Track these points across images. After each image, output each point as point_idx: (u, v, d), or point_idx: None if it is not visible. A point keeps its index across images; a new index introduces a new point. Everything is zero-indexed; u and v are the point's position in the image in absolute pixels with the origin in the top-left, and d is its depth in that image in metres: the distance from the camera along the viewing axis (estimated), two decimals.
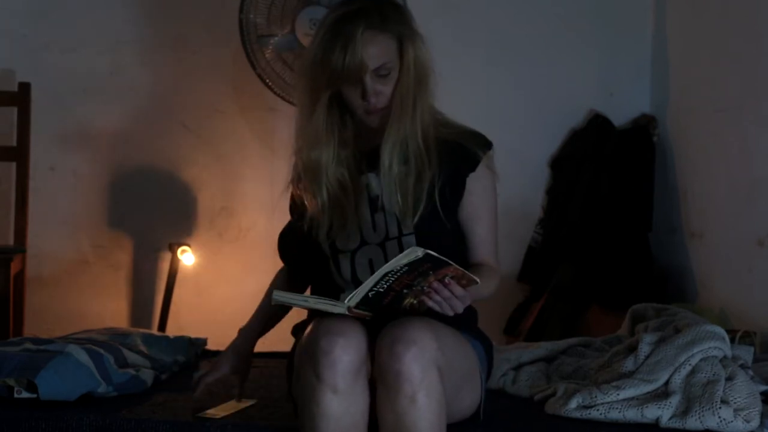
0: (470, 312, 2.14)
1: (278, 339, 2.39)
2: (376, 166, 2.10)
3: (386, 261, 2.04)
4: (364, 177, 2.12)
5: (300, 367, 1.91)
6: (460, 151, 2.11)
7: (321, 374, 1.84)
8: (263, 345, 2.32)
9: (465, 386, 2.01)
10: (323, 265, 2.13)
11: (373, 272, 1.92)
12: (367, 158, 2.13)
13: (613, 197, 3.46)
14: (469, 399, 2.04)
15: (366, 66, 2.02)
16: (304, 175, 2.15)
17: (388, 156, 2.07)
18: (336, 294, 2.10)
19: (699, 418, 2.08)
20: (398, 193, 2.07)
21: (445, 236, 2.09)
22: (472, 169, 2.11)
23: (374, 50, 2.03)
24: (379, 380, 1.85)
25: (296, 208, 2.21)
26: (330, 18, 2.07)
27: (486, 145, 2.14)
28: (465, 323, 2.07)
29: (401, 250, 2.02)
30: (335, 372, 1.83)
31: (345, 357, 1.84)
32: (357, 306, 1.85)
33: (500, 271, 2.16)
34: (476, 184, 2.12)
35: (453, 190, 2.10)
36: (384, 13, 2.06)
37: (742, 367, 2.25)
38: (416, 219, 2.06)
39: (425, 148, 2.07)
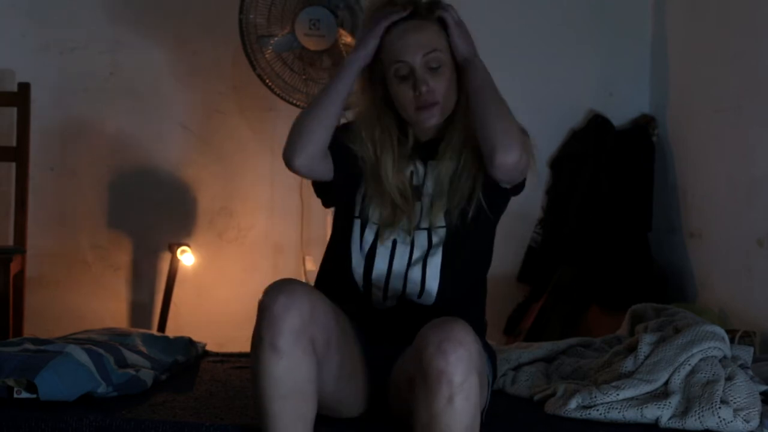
0: (481, 324, 2.15)
1: None
2: (425, 156, 2.13)
3: (412, 249, 2.07)
4: (411, 164, 2.15)
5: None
6: None
7: (261, 331, 1.86)
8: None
9: (482, 390, 1.98)
10: (347, 227, 2.15)
11: (393, 253, 2.02)
12: (416, 147, 2.15)
13: (613, 197, 3.47)
14: (482, 403, 2.04)
15: (415, 50, 2.04)
16: (365, 162, 2.15)
17: (449, 151, 2.10)
18: (347, 266, 2.12)
19: (699, 418, 2.08)
20: (448, 187, 2.10)
21: (474, 238, 2.11)
22: (516, 189, 2.14)
23: (421, 37, 2.06)
24: (419, 376, 1.83)
25: (341, 152, 2.14)
26: (372, 11, 2.12)
27: (523, 131, 2.14)
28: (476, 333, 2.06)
29: (429, 242, 2.08)
30: (274, 330, 1.85)
31: (285, 316, 1.85)
32: None
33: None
34: None
35: (492, 199, 2.11)
36: (429, 6, 2.11)
37: (742, 367, 2.26)
38: (455, 215, 2.08)
39: (476, 148, 2.07)
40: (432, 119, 2.09)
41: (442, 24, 2.10)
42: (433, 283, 2.10)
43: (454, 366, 1.78)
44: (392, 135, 2.13)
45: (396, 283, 2.11)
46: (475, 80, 2.07)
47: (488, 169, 2.02)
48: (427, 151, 2.15)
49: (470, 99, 2.07)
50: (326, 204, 2.25)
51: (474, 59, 2.10)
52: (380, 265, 2.11)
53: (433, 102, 2.07)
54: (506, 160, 1.98)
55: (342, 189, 2.16)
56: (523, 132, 2.08)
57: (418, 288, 2.10)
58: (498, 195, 2.13)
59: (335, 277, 2.16)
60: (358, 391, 2.09)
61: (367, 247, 2.12)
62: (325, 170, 2.12)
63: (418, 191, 2.13)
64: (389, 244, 2.11)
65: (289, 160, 2.07)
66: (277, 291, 1.88)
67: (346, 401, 2.08)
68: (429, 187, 2.13)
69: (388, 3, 2.12)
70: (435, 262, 2.10)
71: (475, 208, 2.09)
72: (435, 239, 2.10)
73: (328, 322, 1.96)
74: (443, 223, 2.10)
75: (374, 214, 2.13)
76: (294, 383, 1.87)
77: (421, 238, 2.11)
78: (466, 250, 2.11)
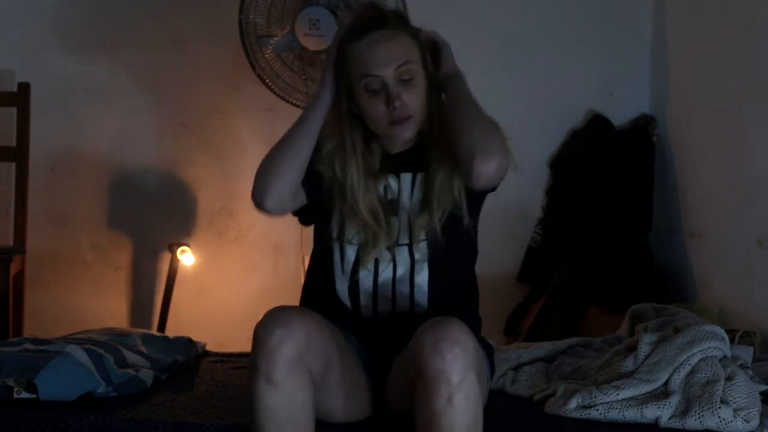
0: (475, 320, 2.14)
1: None
2: (397, 169, 2.10)
3: (395, 267, 2.05)
4: (383, 179, 2.11)
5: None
6: None
7: (257, 364, 1.85)
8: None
9: (481, 387, 1.99)
10: (327, 249, 2.12)
11: (377, 272, 1.95)
12: (385, 160, 2.12)
13: (613, 197, 3.47)
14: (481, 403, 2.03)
15: (387, 62, 2.00)
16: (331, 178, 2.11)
17: (429, 161, 2.06)
18: (330, 288, 2.10)
19: (698, 418, 2.08)
20: (428, 199, 2.06)
21: (458, 245, 2.09)
22: (493, 189, 2.08)
23: (393, 48, 2.01)
24: (417, 377, 1.82)
25: (312, 176, 2.12)
26: (344, 27, 2.08)
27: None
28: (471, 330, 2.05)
29: (412, 257, 2.04)
30: (270, 363, 1.84)
31: (281, 349, 1.84)
32: None
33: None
34: None
35: (471, 204, 2.09)
36: (397, 15, 2.09)
37: (742, 367, 2.26)
38: (437, 227, 2.05)
39: (454, 157, 2.03)
40: (406, 132, 2.05)
41: (412, 33, 2.07)
42: (422, 297, 2.09)
43: (451, 365, 1.77)
44: (357, 150, 2.08)
45: (384, 301, 2.10)
46: (456, 90, 2.04)
47: (467, 179, 1.98)
48: (398, 163, 2.11)
49: (449, 108, 2.04)
50: (303, 223, 2.22)
51: (457, 72, 2.07)
52: (365, 286, 2.09)
53: (407, 116, 2.02)
54: (487, 167, 1.94)
55: (317, 211, 2.13)
56: (502, 135, 2.04)
57: (407, 303, 2.09)
58: (476, 199, 2.11)
59: (321, 299, 2.14)
60: (362, 398, 2.08)
61: (349, 268, 2.10)
62: (298, 202, 2.11)
63: (393, 206, 2.10)
64: (371, 264, 2.08)
65: (259, 203, 2.07)
66: (272, 323, 1.86)
67: (353, 411, 2.08)
68: (405, 200, 2.09)
69: (357, 18, 2.09)
70: (422, 278, 2.08)
71: (457, 217, 2.07)
72: (417, 255, 2.07)
73: (325, 346, 1.94)
74: (424, 237, 2.07)
75: (351, 234, 2.09)
76: (290, 413, 1.87)
77: (403, 254, 2.08)
78: (452, 258, 2.08)
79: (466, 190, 2.06)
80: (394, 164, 2.11)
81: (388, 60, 2.00)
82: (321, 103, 2.08)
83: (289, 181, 2.05)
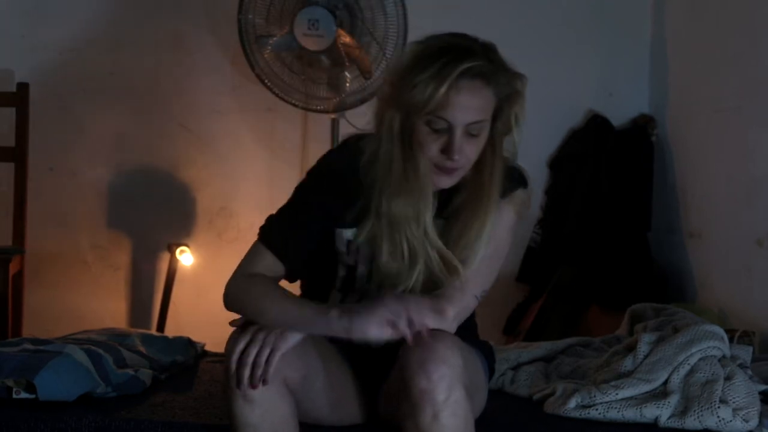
0: (470, 324, 2.11)
1: None
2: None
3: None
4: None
5: None
6: None
7: (231, 381, 1.80)
8: None
9: (476, 396, 1.96)
10: (332, 268, 2.03)
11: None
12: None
13: (612, 197, 3.47)
14: (478, 408, 2.01)
15: (463, 115, 1.82)
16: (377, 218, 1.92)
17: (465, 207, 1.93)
18: (326, 291, 2.06)
19: (698, 417, 2.08)
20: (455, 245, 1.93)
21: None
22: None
23: (476, 102, 1.84)
24: (403, 394, 1.78)
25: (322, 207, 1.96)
26: (423, 48, 1.86)
27: (519, 182, 2.00)
28: (466, 332, 2.00)
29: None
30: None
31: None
32: None
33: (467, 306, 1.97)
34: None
35: None
36: (492, 60, 1.88)
37: (741, 366, 2.26)
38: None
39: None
40: (449, 183, 1.91)
41: (497, 87, 1.88)
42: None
43: (436, 384, 1.73)
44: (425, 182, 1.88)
45: None
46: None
47: None
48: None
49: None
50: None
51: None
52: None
53: (458, 167, 1.88)
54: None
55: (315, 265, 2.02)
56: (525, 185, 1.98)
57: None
58: None
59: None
60: (353, 405, 2.03)
61: (351, 284, 2.01)
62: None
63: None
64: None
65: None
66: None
67: (344, 418, 2.03)
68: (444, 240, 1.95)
69: (463, 51, 1.85)
70: (417, 287, 1.96)
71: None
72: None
73: (301, 357, 1.87)
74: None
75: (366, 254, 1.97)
76: (271, 425, 1.84)
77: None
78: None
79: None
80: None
81: (467, 112, 1.84)
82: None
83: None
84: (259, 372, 1.79)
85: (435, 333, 1.79)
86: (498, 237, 1.98)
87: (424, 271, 1.92)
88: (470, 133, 1.85)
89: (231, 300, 1.91)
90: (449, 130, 1.84)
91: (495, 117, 1.90)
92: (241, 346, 1.81)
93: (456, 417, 1.76)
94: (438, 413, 1.74)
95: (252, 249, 1.97)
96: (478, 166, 1.92)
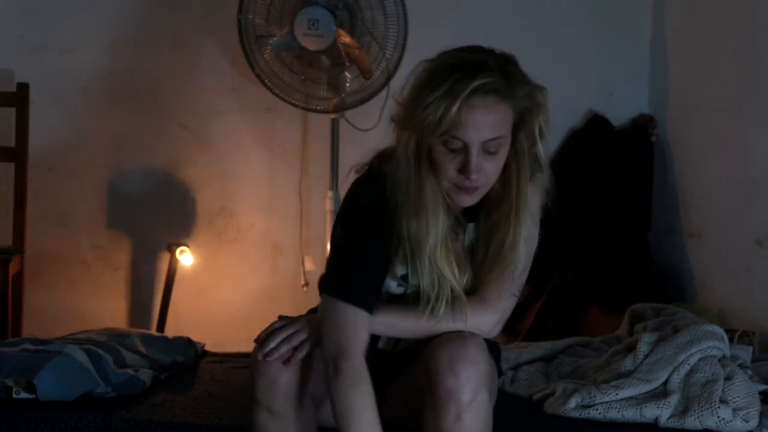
0: None
1: None
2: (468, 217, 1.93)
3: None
4: (459, 227, 1.93)
5: None
6: None
7: (256, 393, 1.81)
8: None
9: (493, 399, 1.94)
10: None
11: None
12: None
13: (612, 197, 3.46)
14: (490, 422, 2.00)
15: (478, 133, 1.77)
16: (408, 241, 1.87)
17: (503, 219, 1.90)
18: None
19: (698, 417, 2.08)
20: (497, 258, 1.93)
21: None
22: None
23: (490, 119, 1.78)
24: (427, 392, 1.77)
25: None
26: (435, 65, 1.80)
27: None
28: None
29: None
30: (270, 394, 1.80)
31: (280, 378, 1.80)
32: None
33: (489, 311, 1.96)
34: None
35: None
36: (508, 74, 1.84)
37: (741, 366, 2.26)
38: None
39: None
40: (469, 202, 1.87)
41: (514, 101, 1.84)
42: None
43: (464, 385, 1.73)
44: (437, 200, 1.84)
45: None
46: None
47: None
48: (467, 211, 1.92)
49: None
50: None
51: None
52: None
53: (477, 186, 1.84)
54: None
55: None
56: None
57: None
58: None
59: None
60: None
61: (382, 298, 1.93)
62: None
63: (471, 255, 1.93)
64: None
65: None
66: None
67: None
68: (478, 254, 1.94)
69: (476, 67, 1.80)
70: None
71: None
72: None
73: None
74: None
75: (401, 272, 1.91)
76: None
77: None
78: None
79: None
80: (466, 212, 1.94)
81: (482, 129, 1.78)
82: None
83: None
84: (285, 348, 1.81)
85: (464, 334, 1.80)
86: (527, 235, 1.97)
87: (451, 290, 1.89)
88: (488, 151, 1.80)
89: (332, 403, 1.79)
90: (465, 149, 1.79)
91: (517, 131, 1.86)
92: (277, 324, 1.83)
93: (478, 420, 1.76)
94: (461, 414, 1.74)
95: (331, 309, 1.83)
96: (504, 180, 1.88)
